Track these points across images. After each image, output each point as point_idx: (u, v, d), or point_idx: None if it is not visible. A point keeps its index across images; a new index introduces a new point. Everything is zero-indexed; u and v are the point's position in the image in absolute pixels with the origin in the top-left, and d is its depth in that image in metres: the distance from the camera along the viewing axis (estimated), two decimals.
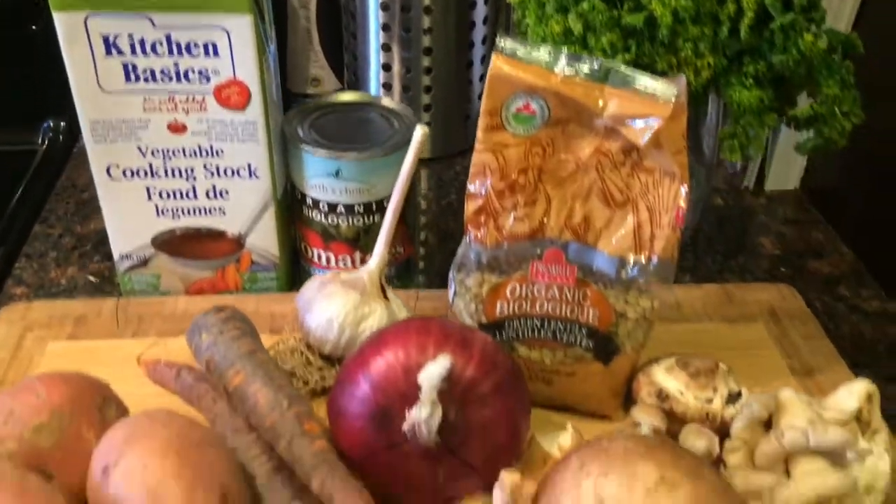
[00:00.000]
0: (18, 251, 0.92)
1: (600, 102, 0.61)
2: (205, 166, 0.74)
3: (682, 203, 0.63)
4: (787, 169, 1.07)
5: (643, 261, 0.64)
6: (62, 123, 1.14)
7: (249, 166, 0.75)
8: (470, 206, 0.65)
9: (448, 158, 1.12)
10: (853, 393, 0.61)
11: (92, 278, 0.89)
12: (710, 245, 0.98)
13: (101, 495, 0.52)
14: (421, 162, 0.99)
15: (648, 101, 0.61)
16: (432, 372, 0.56)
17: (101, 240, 0.94)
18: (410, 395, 0.57)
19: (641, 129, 0.61)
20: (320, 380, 0.70)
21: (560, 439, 0.64)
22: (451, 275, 0.69)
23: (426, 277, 0.91)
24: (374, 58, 1.05)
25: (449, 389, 0.57)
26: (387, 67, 1.05)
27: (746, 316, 0.83)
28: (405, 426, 0.57)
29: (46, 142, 1.13)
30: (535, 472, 0.61)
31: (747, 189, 1.08)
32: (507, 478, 0.54)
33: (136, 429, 0.54)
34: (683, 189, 0.63)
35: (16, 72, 1.13)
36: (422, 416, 0.56)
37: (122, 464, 0.52)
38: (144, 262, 0.80)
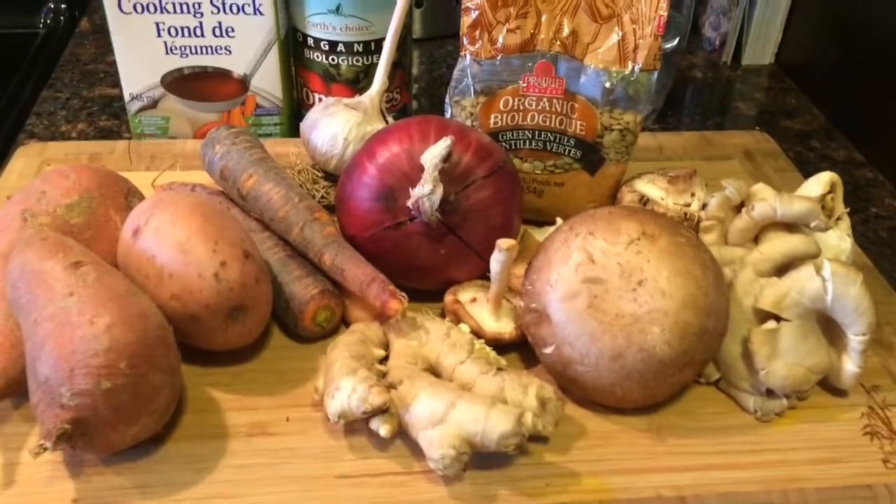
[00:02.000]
0: (29, 110, 0.96)
1: None
2: (211, 2, 0.78)
3: (664, 12, 0.68)
4: (762, 45, 1.12)
5: (626, 72, 0.69)
6: (63, 5, 1.16)
7: (254, 2, 0.78)
8: (465, 21, 0.70)
9: (439, 39, 1.16)
10: (819, 181, 0.66)
11: (103, 124, 0.93)
12: (690, 109, 1.04)
13: (132, 252, 0.57)
14: (414, 42, 1.04)
15: None
16: (434, 151, 0.61)
17: (109, 102, 0.98)
18: (414, 176, 0.62)
19: None
20: (325, 195, 0.75)
21: (550, 230, 0.69)
22: (447, 99, 0.73)
23: None
24: None
25: (449, 171, 0.62)
26: None
27: (723, 155, 0.88)
28: (409, 202, 0.62)
29: (48, 23, 1.15)
30: (529, 259, 0.66)
31: (725, 64, 1.13)
32: (504, 243, 0.59)
33: (163, 197, 0.59)
34: None
35: None
36: (425, 191, 0.61)
37: (151, 223, 0.57)
38: (154, 104, 0.84)
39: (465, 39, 0.70)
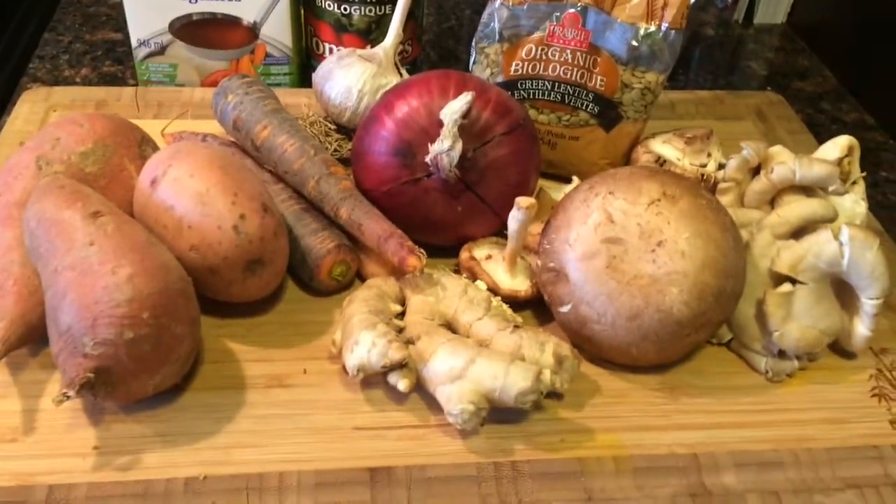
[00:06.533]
0: (31, 53, 0.94)
1: None
2: None
3: None
4: (775, 4, 1.11)
5: (653, 29, 0.68)
6: None
7: None
8: None
9: None
10: (836, 144, 0.66)
11: (107, 70, 0.91)
12: (702, 66, 1.03)
13: (149, 202, 0.57)
14: None
15: None
16: (454, 106, 0.60)
17: (112, 47, 0.96)
18: (432, 131, 0.61)
19: None
20: (338, 149, 0.74)
21: (567, 189, 0.69)
22: (472, 44, 0.72)
23: None
24: None
25: (468, 127, 0.61)
26: None
27: (736, 115, 0.88)
28: (428, 157, 0.61)
29: None
30: (544, 217, 0.66)
31: (737, 22, 1.12)
32: (524, 201, 0.59)
33: (180, 148, 0.58)
34: None
35: None
36: (443, 147, 0.60)
37: (170, 173, 0.56)
38: (162, 50, 0.83)
39: None
